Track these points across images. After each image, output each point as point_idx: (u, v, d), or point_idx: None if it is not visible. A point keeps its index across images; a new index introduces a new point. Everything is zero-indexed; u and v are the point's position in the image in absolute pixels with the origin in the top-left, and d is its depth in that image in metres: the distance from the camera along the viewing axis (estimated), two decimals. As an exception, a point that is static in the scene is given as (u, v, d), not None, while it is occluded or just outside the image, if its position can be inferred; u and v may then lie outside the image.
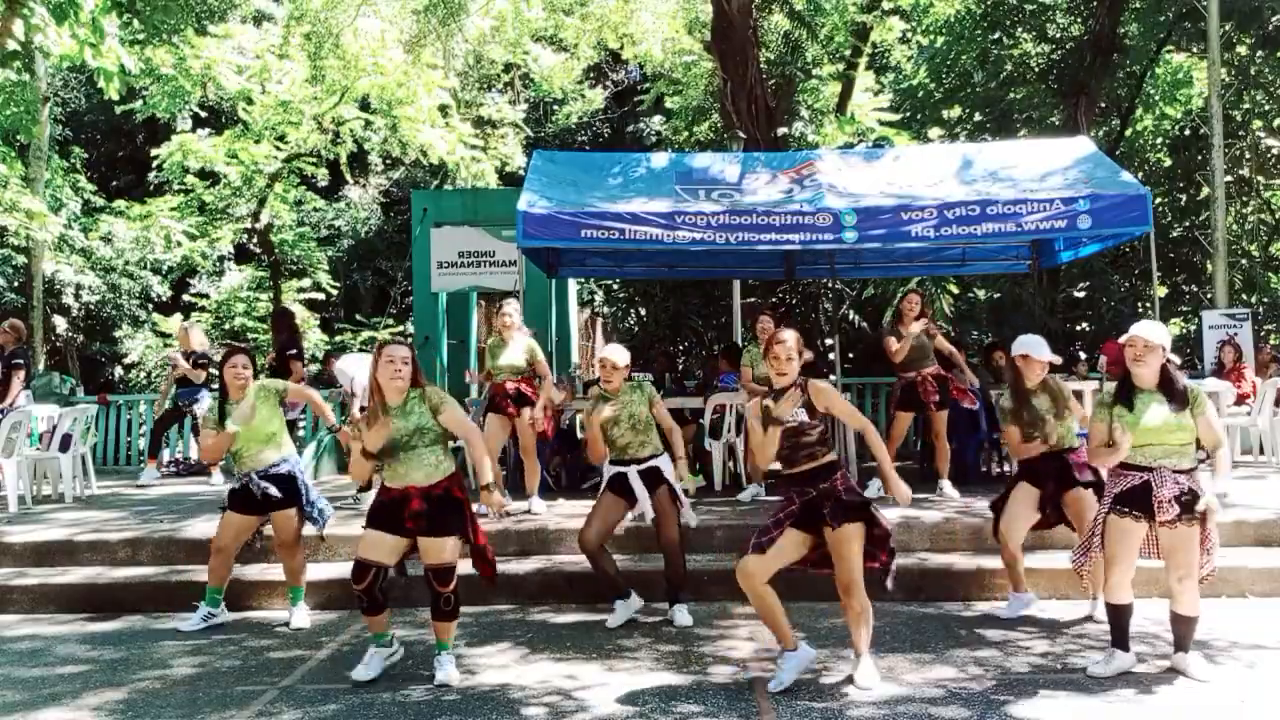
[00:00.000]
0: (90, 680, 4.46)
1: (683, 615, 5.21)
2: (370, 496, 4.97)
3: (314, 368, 17.24)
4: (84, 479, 8.69)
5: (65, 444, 8.35)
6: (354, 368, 7.70)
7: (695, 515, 5.42)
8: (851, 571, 4.07)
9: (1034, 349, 5.02)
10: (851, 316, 12.98)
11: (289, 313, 9.01)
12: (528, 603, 5.64)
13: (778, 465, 4.24)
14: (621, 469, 5.22)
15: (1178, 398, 4.12)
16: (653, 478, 5.18)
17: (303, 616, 5.34)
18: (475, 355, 11.64)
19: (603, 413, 5.11)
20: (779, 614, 4.13)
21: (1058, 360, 5.12)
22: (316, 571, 5.72)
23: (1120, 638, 4.25)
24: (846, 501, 4.08)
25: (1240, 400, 9.52)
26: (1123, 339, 4.26)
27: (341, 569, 5.15)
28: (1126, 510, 4.14)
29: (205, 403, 8.28)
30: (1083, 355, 11.88)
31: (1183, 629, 4.21)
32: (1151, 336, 4.14)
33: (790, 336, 4.21)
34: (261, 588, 5.72)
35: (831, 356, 10.42)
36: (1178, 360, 4.26)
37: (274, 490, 5.17)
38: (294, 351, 8.31)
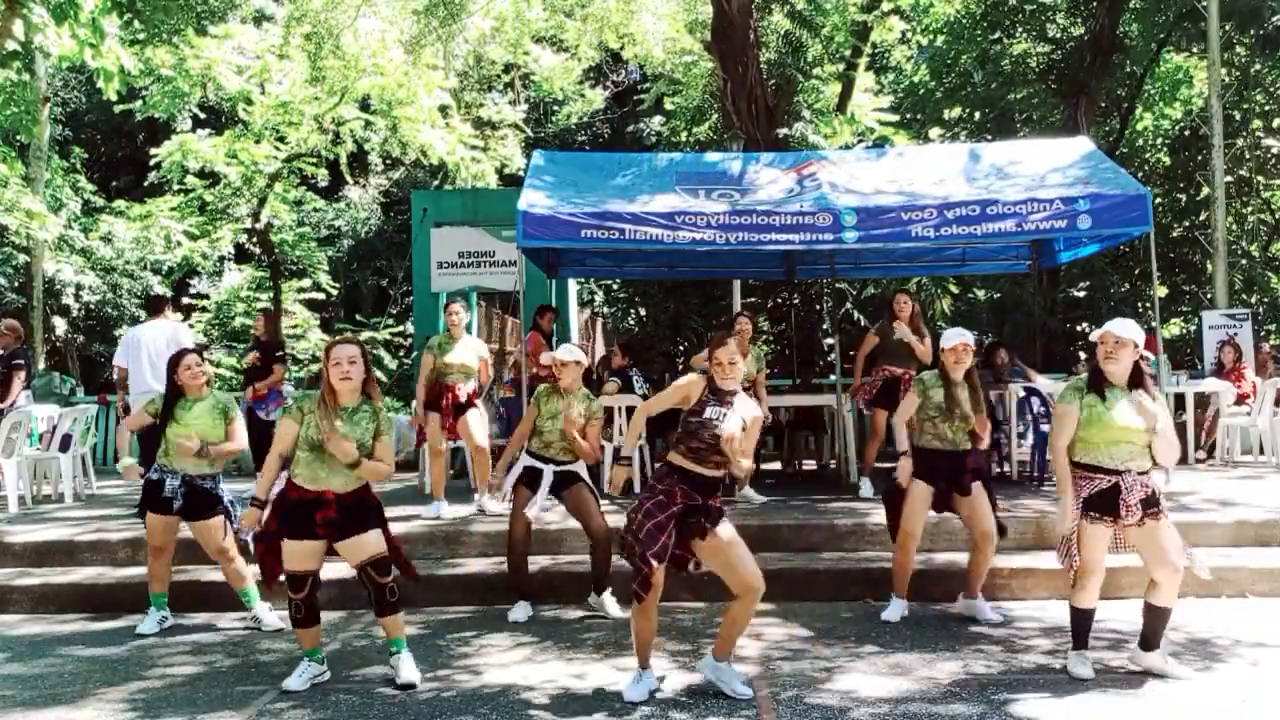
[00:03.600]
0: (91, 680, 4.46)
1: (613, 606, 5.30)
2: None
3: (315, 367, 17.25)
4: (84, 479, 8.69)
5: (65, 444, 8.36)
6: (144, 337, 7.51)
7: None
8: (748, 572, 3.95)
9: (944, 338, 5.11)
10: (855, 316, 12.97)
11: (274, 314, 9.04)
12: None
13: (683, 460, 4.02)
14: (538, 464, 5.30)
15: (1144, 395, 4.14)
16: (568, 478, 5.30)
17: (268, 616, 5.29)
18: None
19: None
20: (653, 635, 4.08)
21: (968, 343, 5.08)
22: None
23: (1083, 640, 4.29)
24: (718, 510, 4.02)
25: (1240, 400, 9.53)
26: (1094, 335, 4.26)
27: (339, 569, 5.13)
28: (1098, 516, 4.14)
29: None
30: (1083, 355, 11.89)
31: (1158, 621, 4.19)
32: (1123, 332, 4.13)
33: (733, 341, 4.06)
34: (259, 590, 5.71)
35: (832, 357, 10.42)
36: (1151, 356, 4.26)
37: (179, 501, 5.08)
38: (280, 354, 8.27)
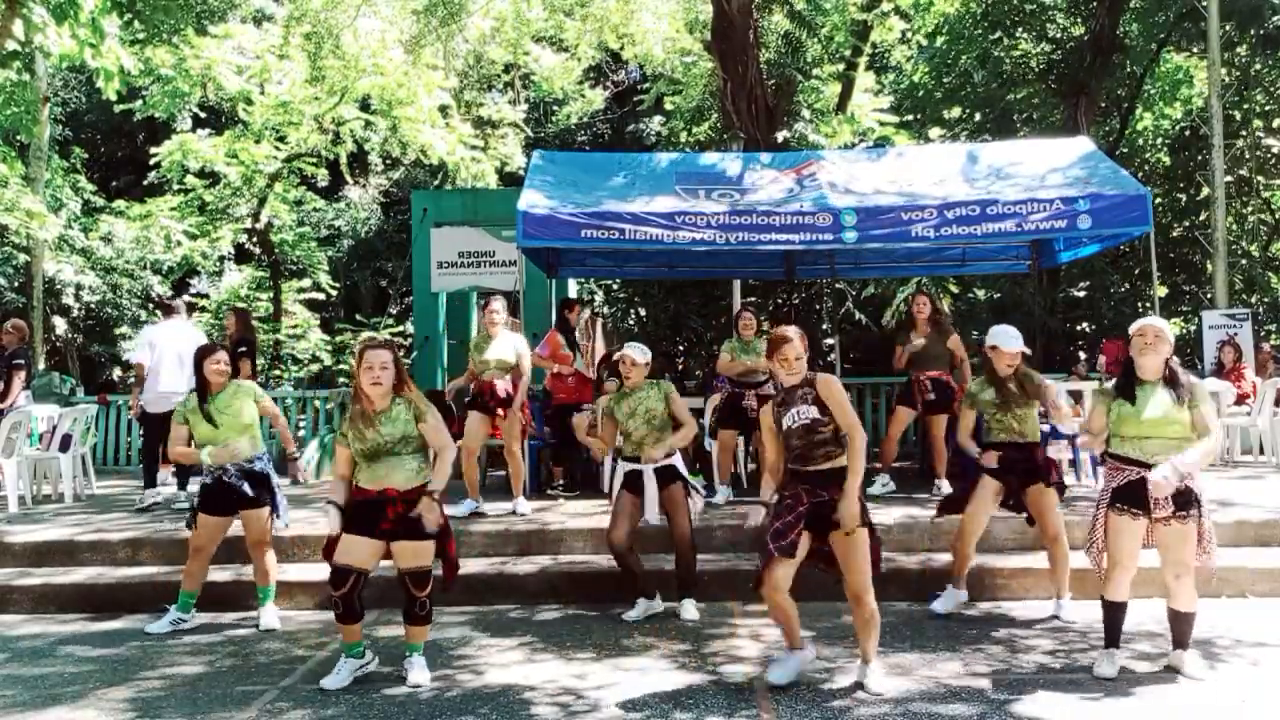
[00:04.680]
0: (92, 680, 4.46)
1: (690, 610, 5.26)
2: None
3: (315, 367, 17.26)
4: (84, 479, 8.69)
5: (65, 444, 8.35)
6: (162, 338, 7.53)
7: (700, 506, 5.46)
8: (864, 577, 4.07)
9: (1003, 341, 5.08)
10: (856, 316, 12.98)
11: (244, 311, 9.04)
12: (530, 603, 5.64)
13: (795, 465, 4.16)
14: (637, 466, 5.28)
15: (1180, 389, 4.13)
16: (666, 475, 5.27)
17: (272, 617, 5.30)
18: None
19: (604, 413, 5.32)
20: (795, 616, 4.18)
21: (1027, 351, 5.14)
22: (318, 572, 5.71)
23: (1115, 637, 4.28)
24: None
25: (1240, 400, 9.53)
26: (1133, 328, 4.25)
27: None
28: (1124, 507, 4.15)
29: None
30: (1083, 355, 11.90)
31: (1181, 626, 4.23)
32: (1163, 327, 4.19)
33: (796, 334, 4.18)
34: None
35: (832, 357, 10.42)
36: (1177, 360, 4.28)
37: (248, 487, 5.16)
38: (243, 349, 8.24)
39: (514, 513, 6.82)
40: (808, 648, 4.23)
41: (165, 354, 7.59)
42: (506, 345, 6.95)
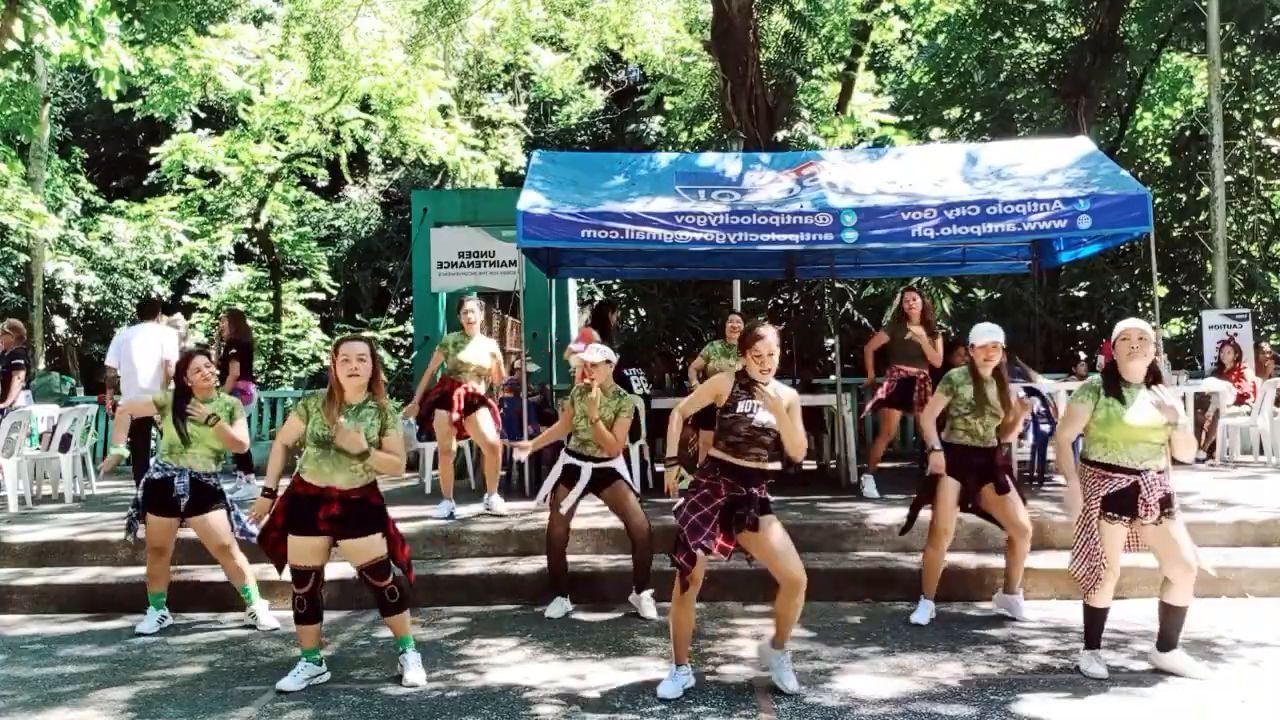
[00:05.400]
0: (92, 680, 4.46)
1: (649, 607, 5.29)
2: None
3: (315, 367, 17.26)
4: (84, 479, 8.69)
5: (65, 444, 8.35)
6: (134, 340, 7.53)
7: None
8: (793, 563, 4.01)
9: (978, 336, 5.07)
10: (855, 316, 12.97)
11: (237, 313, 9.06)
12: (530, 602, 5.63)
13: (723, 454, 4.07)
14: (576, 462, 5.35)
15: (1162, 393, 4.15)
16: (605, 475, 5.33)
17: (270, 617, 5.30)
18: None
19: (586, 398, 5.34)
20: (690, 629, 4.17)
21: (1000, 341, 5.05)
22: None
23: (1096, 639, 4.29)
24: (763, 500, 4.06)
25: (1240, 400, 9.53)
26: (1118, 330, 4.25)
27: (340, 569, 5.15)
28: (1116, 515, 4.14)
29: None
30: (1083, 355, 11.88)
31: (1174, 620, 4.21)
32: (1148, 330, 4.18)
33: (771, 333, 4.09)
34: (260, 588, 5.70)
35: (832, 357, 10.41)
36: (1162, 358, 4.29)
37: (186, 497, 5.10)
38: (234, 351, 8.25)
39: (487, 509, 6.82)
40: (686, 667, 4.16)
41: (141, 355, 7.59)
42: (483, 350, 6.91)
